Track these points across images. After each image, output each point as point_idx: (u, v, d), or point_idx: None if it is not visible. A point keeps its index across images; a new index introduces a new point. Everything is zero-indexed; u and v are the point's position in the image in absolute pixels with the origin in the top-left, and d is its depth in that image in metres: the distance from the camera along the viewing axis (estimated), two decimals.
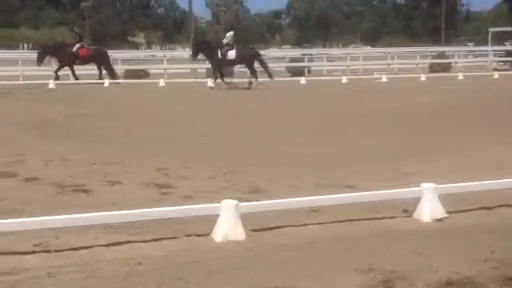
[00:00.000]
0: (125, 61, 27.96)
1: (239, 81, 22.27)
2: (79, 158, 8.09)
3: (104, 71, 22.90)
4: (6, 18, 70.58)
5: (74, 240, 4.48)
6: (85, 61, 22.93)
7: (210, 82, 20.89)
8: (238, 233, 4.60)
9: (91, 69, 23.73)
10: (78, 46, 22.67)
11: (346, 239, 4.68)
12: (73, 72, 22.76)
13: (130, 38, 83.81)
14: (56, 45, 24.81)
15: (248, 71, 21.81)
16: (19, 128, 11.07)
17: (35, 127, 11.27)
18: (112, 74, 23.06)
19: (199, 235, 4.67)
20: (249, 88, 20.64)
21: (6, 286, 3.76)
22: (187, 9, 59.10)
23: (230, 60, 21.15)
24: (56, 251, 4.32)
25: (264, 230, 4.84)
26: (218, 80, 20.80)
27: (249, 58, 21.41)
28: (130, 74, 25.33)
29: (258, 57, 21.92)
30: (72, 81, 22.57)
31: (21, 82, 22.20)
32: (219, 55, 20.69)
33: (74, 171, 7.17)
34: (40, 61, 22.69)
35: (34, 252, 4.31)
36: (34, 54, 28.03)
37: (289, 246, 4.56)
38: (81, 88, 20.50)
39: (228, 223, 4.59)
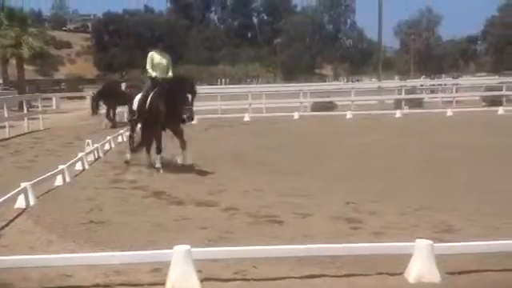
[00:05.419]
0: (313, 93, 28.78)
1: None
2: (271, 188, 8.45)
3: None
4: (208, 55, 77.43)
5: (270, 270, 4.70)
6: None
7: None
8: (433, 275, 4.45)
9: (281, 102, 24.64)
10: (124, 84, 20.60)
11: None
12: (114, 113, 20.83)
13: (317, 71, 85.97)
14: (106, 87, 22.00)
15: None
16: (218, 159, 11.83)
17: (231, 158, 12.00)
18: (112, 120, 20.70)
19: (391, 274, 4.60)
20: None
21: None
22: (376, 39, 58.97)
23: None
24: (254, 280, 4.58)
25: (460, 273, 4.61)
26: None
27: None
28: (318, 107, 25.94)
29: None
30: (264, 114, 23.57)
31: (220, 116, 23.58)
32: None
33: (268, 202, 7.49)
34: (95, 110, 21.18)
35: (234, 279, 4.61)
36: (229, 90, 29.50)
37: None
38: (271, 120, 21.46)
39: (422, 264, 4.46)
